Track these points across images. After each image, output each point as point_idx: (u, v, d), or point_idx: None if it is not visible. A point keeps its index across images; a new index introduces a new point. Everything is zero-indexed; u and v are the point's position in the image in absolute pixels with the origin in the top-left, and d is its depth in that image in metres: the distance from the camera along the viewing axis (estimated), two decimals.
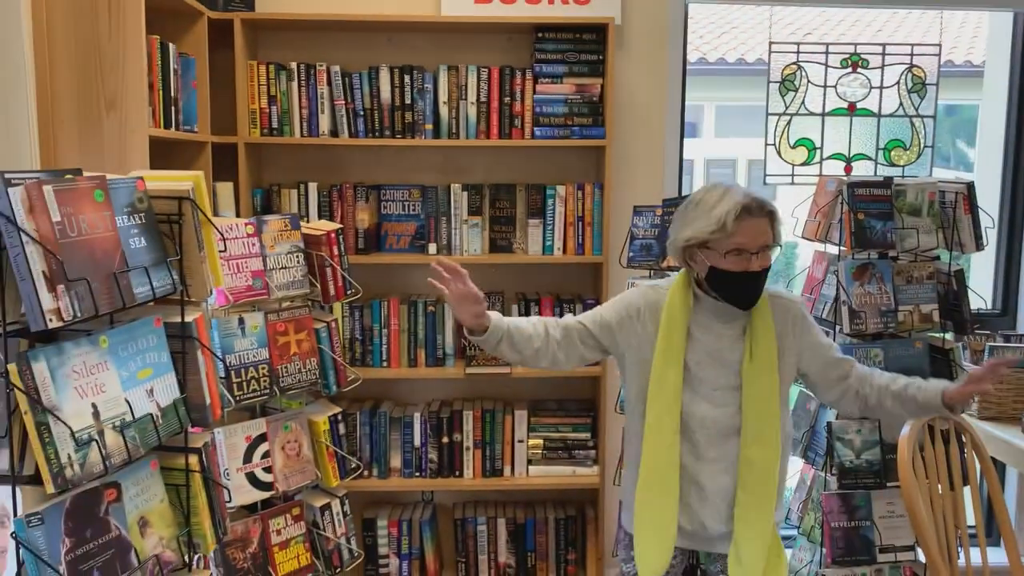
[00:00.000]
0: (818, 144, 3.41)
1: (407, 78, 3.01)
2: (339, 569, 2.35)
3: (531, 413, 3.16)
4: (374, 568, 3.16)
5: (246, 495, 2.17)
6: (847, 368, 2.17)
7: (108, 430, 1.43)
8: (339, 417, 2.38)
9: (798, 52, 3.37)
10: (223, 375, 2.07)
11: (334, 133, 3.04)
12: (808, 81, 3.38)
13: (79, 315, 1.35)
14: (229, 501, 2.07)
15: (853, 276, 2.74)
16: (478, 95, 3.03)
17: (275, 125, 3.01)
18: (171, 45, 2.57)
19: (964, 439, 2.58)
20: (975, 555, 2.58)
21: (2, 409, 1.33)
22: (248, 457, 2.17)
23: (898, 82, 3.39)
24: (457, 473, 3.14)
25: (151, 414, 1.52)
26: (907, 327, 2.78)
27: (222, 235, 2.09)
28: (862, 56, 3.38)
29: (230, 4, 2.98)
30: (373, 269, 3.20)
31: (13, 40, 2.19)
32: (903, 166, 3.42)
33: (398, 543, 3.15)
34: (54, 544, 1.35)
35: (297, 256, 2.28)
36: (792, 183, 3.42)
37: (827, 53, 3.37)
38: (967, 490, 2.62)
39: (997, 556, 3.30)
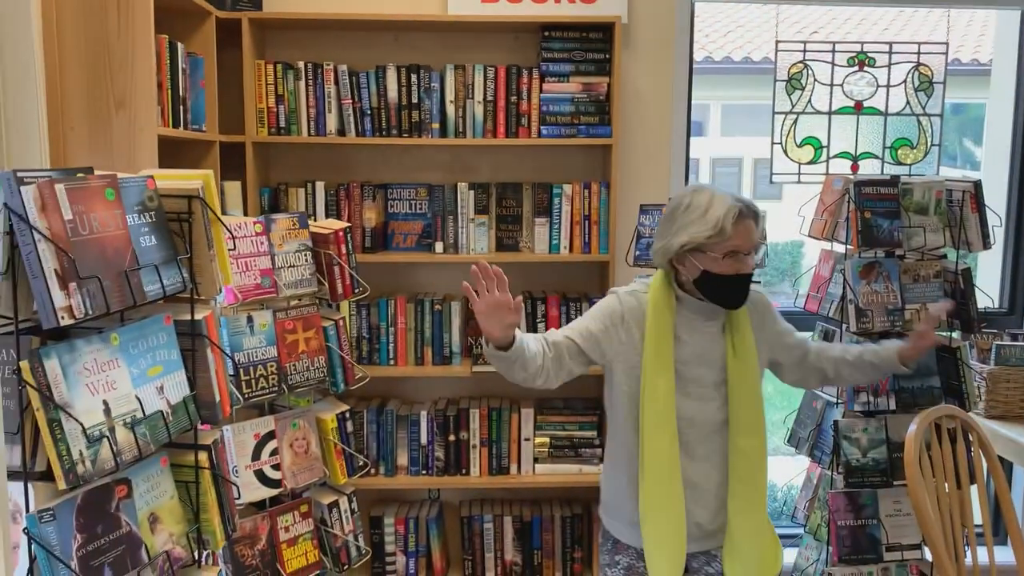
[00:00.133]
0: (825, 143, 3.41)
1: (414, 77, 3.02)
2: (347, 566, 2.36)
3: (537, 411, 3.16)
4: (381, 566, 3.17)
5: (255, 492, 2.17)
6: (806, 348, 2.28)
7: (119, 427, 1.44)
8: (347, 415, 2.39)
9: (804, 51, 3.36)
10: (232, 373, 2.08)
11: (341, 132, 3.05)
12: (815, 80, 3.38)
13: (91, 313, 1.36)
14: (238, 498, 2.09)
15: (860, 275, 2.74)
16: (485, 94, 3.04)
17: (282, 124, 3.02)
18: (179, 44, 2.58)
19: (971, 438, 2.58)
20: (982, 554, 2.58)
21: (14, 406, 1.34)
22: (257, 454, 2.18)
23: (905, 81, 3.38)
24: (464, 471, 3.15)
25: (161, 411, 1.54)
26: (914, 326, 2.77)
27: (231, 233, 2.10)
28: (869, 55, 3.38)
29: (238, 4, 2.99)
30: (380, 268, 3.21)
31: (23, 39, 2.20)
32: (910, 165, 3.41)
33: (405, 541, 3.16)
34: (66, 540, 1.36)
35: (305, 255, 2.29)
36: (798, 182, 3.42)
37: (834, 52, 3.37)
38: (974, 489, 2.62)
39: (1004, 555, 3.29)
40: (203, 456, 1.67)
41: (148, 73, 2.33)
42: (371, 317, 3.11)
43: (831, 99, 3.39)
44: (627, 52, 3.20)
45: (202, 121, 2.77)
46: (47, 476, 1.37)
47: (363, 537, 2.43)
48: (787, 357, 2.25)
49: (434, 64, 3.09)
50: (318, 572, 2.30)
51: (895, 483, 2.77)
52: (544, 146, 3.20)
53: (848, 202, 2.74)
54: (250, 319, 2.15)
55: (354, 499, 2.41)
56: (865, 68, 3.39)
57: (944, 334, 2.86)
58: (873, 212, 2.73)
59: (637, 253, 2.88)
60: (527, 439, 3.15)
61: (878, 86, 3.39)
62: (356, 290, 2.39)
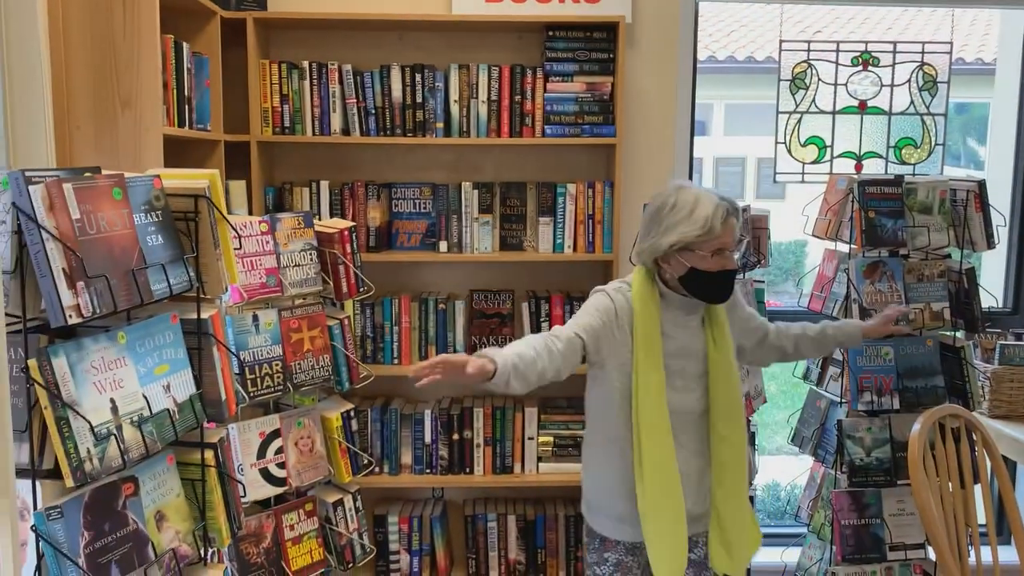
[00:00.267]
0: (828, 142, 3.41)
1: (418, 77, 3.03)
2: (351, 564, 2.37)
3: (541, 410, 3.17)
4: (385, 564, 3.18)
5: (260, 490, 2.18)
6: (766, 329, 2.36)
7: (126, 425, 1.45)
8: (351, 413, 2.39)
9: (808, 50, 3.36)
10: (237, 371, 2.09)
11: (346, 132, 3.05)
12: (819, 79, 3.38)
13: (98, 311, 1.37)
14: (243, 496, 2.09)
15: (864, 274, 2.74)
16: (489, 93, 3.04)
17: (287, 124, 3.03)
18: (185, 44, 2.58)
19: (975, 437, 2.58)
20: (986, 553, 2.58)
21: (22, 404, 1.35)
22: (262, 453, 2.19)
23: (909, 80, 3.38)
24: (467, 470, 3.15)
25: (168, 409, 1.54)
26: (918, 325, 2.78)
27: (237, 233, 2.11)
28: (873, 54, 3.38)
29: (243, 3, 3.00)
30: (384, 267, 3.22)
31: (29, 39, 2.21)
32: (914, 164, 3.41)
33: (409, 539, 3.17)
34: (73, 537, 1.37)
35: (310, 254, 2.30)
36: (802, 181, 3.42)
37: (838, 51, 3.37)
38: (978, 488, 2.62)
39: (1008, 555, 3.29)
40: (209, 454, 1.68)
41: (154, 73, 2.34)
42: (375, 316, 3.11)
43: (835, 98, 3.39)
44: (631, 52, 3.21)
45: (207, 121, 2.78)
46: (55, 474, 1.38)
47: (367, 535, 2.44)
48: (750, 340, 2.33)
49: (438, 64, 3.10)
50: (323, 570, 2.31)
51: (899, 482, 2.77)
52: (548, 145, 3.20)
53: (852, 201, 2.74)
54: (255, 318, 2.16)
55: (359, 497, 2.42)
56: (869, 67, 3.38)
57: (948, 333, 2.86)
58: (877, 212, 2.73)
59: None
60: (531, 438, 3.15)
61: (882, 85, 3.39)
62: (361, 289, 2.40)
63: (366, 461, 2.44)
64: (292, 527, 2.25)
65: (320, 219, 2.93)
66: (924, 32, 6.98)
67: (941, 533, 2.33)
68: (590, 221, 3.10)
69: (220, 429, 1.78)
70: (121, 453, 1.43)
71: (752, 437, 2.97)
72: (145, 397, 1.50)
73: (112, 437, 1.42)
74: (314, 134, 3.04)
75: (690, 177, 3.33)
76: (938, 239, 2.79)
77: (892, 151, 3.41)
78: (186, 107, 2.61)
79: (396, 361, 3.12)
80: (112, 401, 1.43)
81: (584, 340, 2.04)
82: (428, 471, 3.15)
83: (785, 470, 4.85)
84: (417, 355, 3.13)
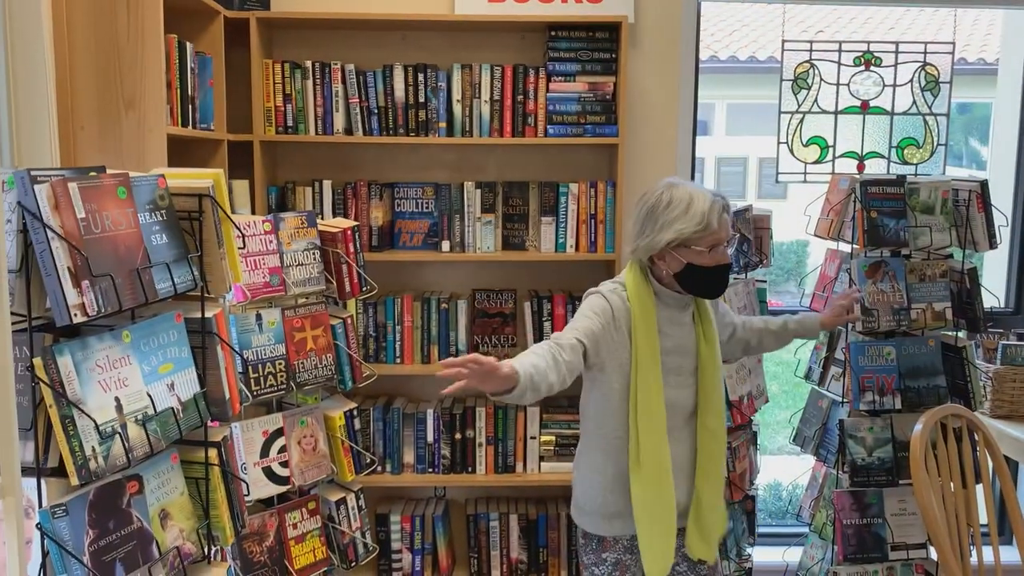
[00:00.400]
0: (831, 142, 3.41)
1: (421, 76, 3.03)
2: (354, 563, 2.37)
3: (543, 410, 3.17)
4: (387, 563, 3.18)
5: (263, 489, 2.19)
6: (735, 323, 2.41)
7: (131, 423, 1.46)
8: (354, 412, 2.40)
9: (811, 50, 3.37)
10: (241, 370, 2.09)
11: (348, 131, 3.06)
12: (821, 79, 3.38)
13: (103, 310, 1.37)
14: (247, 495, 2.10)
15: (866, 274, 2.74)
16: (491, 93, 3.05)
17: (290, 123, 3.03)
18: (188, 44, 2.59)
19: (977, 437, 2.58)
20: (987, 553, 2.59)
21: (27, 403, 1.36)
22: (265, 452, 2.19)
23: (911, 80, 3.39)
24: (469, 469, 3.16)
25: (172, 408, 1.55)
26: (920, 325, 2.78)
27: (241, 232, 2.11)
28: (875, 54, 3.38)
29: (246, 3, 3.01)
30: (387, 266, 3.22)
31: (34, 39, 2.22)
32: (916, 164, 3.42)
33: (411, 538, 3.17)
34: (78, 535, 1.38)
35: (313, 253, 2.30)
36: (804, 181, 3.43)
37: (840, 51, 3.37)
38: (979, 488, 2.62)
39: (1010, 554, 3.29)
40: (213, 453, 1.69)
41: (157, 73, 2.35)
42: (378, 315, 3.12)
43: (837, 98, 3.39)
44: (633, 52, 3.21)
45: (210, 120, 2.79)
46: (59, 472, 1.39)
47: (370, 534, 2.45)
48: (724, 335, 2.37)
49: (441, 64, 3.10)
50: (326, 569, 2.32)
51: (900, 482, 2.77)
52: (550, 145, 3.21)
53: (854, 201, 2.74)
54: (259, 317, 2.16)
55: (361, 496, 2.42)
56: (871, 67, 3.39)
57: (950, 333, 2.87)
58: (879, 211, 2.73)
59: None
60: (533, 437, 3.16)
61: (884, 85, 3.39)
62: (364, 288, 2.40)
63: (369, 460, 2.45)
64: (295, 526, 2.26)
65: (323, 218, 2.94)
66: (926, 32, 6.97)
67: (943, 533, 2.34)
68: (592, 221, 3.11)
69: (224, 428, 1.79)
70: (126, 451, 1.43)
71: (754, 437, 2.97)
72: (149, 396, 1.50)
73: (117, 435, 1.42)
74: (317, 134, 3.05)
75: (692, 177, 3.34)
76: (940, 239, 2.79)
77: (894, 151, 3.42)
78: (190, 107, 2.61)
79: (399, 360, 3.13)
80: (117, 400, 1.44)
81: (586, 345, 2.03)
82: (430, 470, 3.15)
83: (787, 470, 4.85)
84: (419, 355, 3.13)
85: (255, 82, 2.98)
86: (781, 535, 3.59)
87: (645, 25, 3.22)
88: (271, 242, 2.20)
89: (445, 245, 3.13)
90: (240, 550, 2.14)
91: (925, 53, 3.37)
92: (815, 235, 2.95)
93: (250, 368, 2.13)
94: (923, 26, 7.22)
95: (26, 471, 1.36)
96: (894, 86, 3.39)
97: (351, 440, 2.35)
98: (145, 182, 1.53)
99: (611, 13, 3.12)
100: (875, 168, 3.42)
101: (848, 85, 3.39)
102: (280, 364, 2.20)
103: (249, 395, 2.11)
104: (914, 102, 3.39)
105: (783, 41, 3.37)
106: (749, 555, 2.97)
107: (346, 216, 3.09)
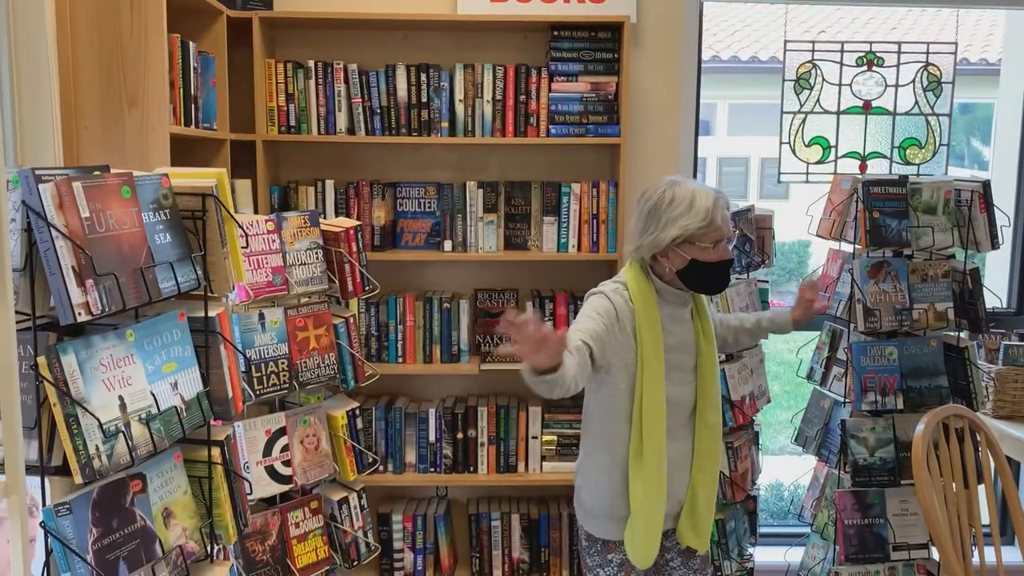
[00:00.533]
0: (833, 142, 3.41)
1: (423, 76, 3.03)
2: (356, 562, 2.38)
3: (545, 409, 3.17)
4: (389, 562, 3.19)
5: (265, 488, 2.19)
6: (715, 319, 2.41)
7: (134, 422, 1.46)
8: (357, 412, 2.40)
9: (813, 50, 3.37)
10: (244, 370, 2.10)
11: (351, 131, 3.06)
12: (823, 79, 3.38)
13: (107, 309, 1.37)
14: (250, 494, 2.10)
15: (868, 274, 2.74)
16: (494, 93, 3.05)
17: (293, 123, 3.04)
18: (191, 43, 2.59)
19: (979, 437, 2.58)
20: (989, 554, 2.59)
21: (31, 401, 1.36)
22: (268, 451, 2.20)
23: (913, 80, 3.38)
24: (471, 468, 3.16)
25: (175, 407, 1.55)
26: (922, 325, 2.78)
27: (244, 231, 2.12)
28: (877, 54, 3.38)
29: (249, 3, 3.01)
30: (389, 266, 3.23)
31: (37, 38, 2.22)
32: (918, 164, 3.42)
33: (413, 538, 3.18)
34: (81, 533, 1.38)
35: (316, 252, 2.31)
36: (806, 181, 3.43)
37: (842, 51, 3.37)
38: (981, 489, 2.62)
39: (1011, 555, 3.30)
40: (216, 452, 1.69)
41: (160, 72, 2.35)
42: (380, 315, 3.12)
43: (839, 99, 3.39)
44: (636, 52, 3.21)
45: (213, 119, 2.79)
46: (63, 471, 1.39)
47: (372, 533, 2.45)
48: None
49: (443, 63, 3.10)
50: (328, 568, 2.32)
51: (902, 482, 2.77)
52: (553, 145, 3.21)
53: (856, 202, 2.74)
54: (261, 316, 2.17)
55: (364, 495, 2.42)
56: (874, 68, 3.39)
57: (952, 334, 2.87)
58: (881, 212, 2.73)
59: None
60: (535, 437, 3.16)
61: (887, 86, 3.39)
62: (366, 288, 2.40)
63: (371, 459, 2.45)
64: (297, 525, 2.26)
65: (325, 218, 2.94)
66: (929, 32, 6.97)
67: (945, 533, 2.34)
68: (594, 221, 3.11)
69: (227, 427, 1.79)
70: (129, 450, 1.44)
71: (756, 437, 2.97)
72: (153, 395, 1.50)
73: (120, 434, 1.42)
74: (319, 133, 3.05)
75: (693, 177, 3.34)
76: (942, 239, 2.79)
77: (896, 151, 3.42)
78: (192, 106, 2.62)
79: (401, 360, 3.13)
80: (120, 398, 1.44)
81: (591, 347, 2.02)
82: (432, 470, 3.16)
83: (788, 470, 4.85)
84: (421, 354, 3.13)
85: (258, 81, 2.98)
86: (783, 535, 3.59)
87: (647, 25, 3.22)
88: (274, 241, 2.20)
89: (447, 245, 3.13)
90: (243, 549, 2.14)
91: (927, 53, 3.37)
92: (817, 235, 2.95)
93: (253, 367, 2.13)
94: (925, 26, 7.21)
95: (30, 469, 1.36)
96: (896, 86, 3.39)
97: (353, 439, 2.35)
98: (149, 181, 1.53)
99: (613, 13, 3.12)
100: (877, 168, 3.42)
101: (850, 85, 3.39)
102: (283, 363, 2.20)
103: (252, 394, 2.12)
104: (916, 102, 3.39)
105: (785, 41, 3.37)
106: (751, 555, 2.97)
107: (348, 216, 3.09)
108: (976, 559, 2.49)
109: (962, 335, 2.87)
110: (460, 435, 3.15)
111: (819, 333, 3.05)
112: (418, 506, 3.26)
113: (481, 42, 3.20)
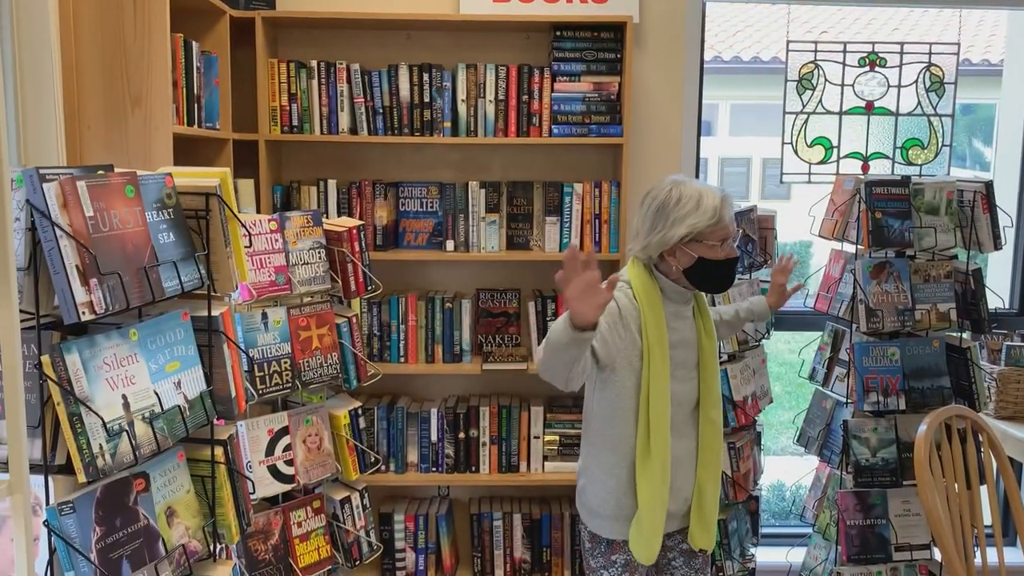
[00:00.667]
0: (835, 143, 3.41)
1: (426, 76, 3.03)
2: (358, 562, 2.38)
3: (547, 409, 3.18)
4: (391, 562, 3.19)
5: (268, 487, 2.19)
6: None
7: (138, 421, 1.46)
8: (359, 411, 2.40)
9: (815, 51, 3.37)
10: (247, 369, 2.10)
11: (353, 131, 3.06)
12: (825, 80, 3.38)
13: (111, 308, 1.37)
14: (252, 493, 2.10)
15: (870, 275, 2.74)
16: (496, 93, 3.05)
17: (295, 122, 3.04)
18: (194, 43, 2.60)
19: (981, 438, 2.58)
20: (991, 554, 2.59)
21: (35, 400, 1.36)
22: (270, 450, 2.20)
23: (916, 81, 3.38)
24: (473, 468, 3.16)
25: (179, 406, 1.55)
26: (924, 326, 2.78)
27: (248, 231, 2.12)
28: (880, 55, 3.38)
29: (252, 3, 3.02)
30: (391, 266, 3.23)
31: (41, 38, 2.22)
32: (921, 165, 3.41)
33: (415, 537, 3.18)
34: (85, 532, 1.38)
35: (319, 252, 2.31)
36: (809, 182, 3.43)
37: (845, 52, 3.37)
38: (984, 489, 2.62)
39: (1014, 556, 3.30)
40: (219, 451, 1.69)
41: (164, 72, 2.35)
42: (382, 315, 3.12)
43: (842, 99, 3.39)
44: (638, 52, 3.21)
45: (216, 119, 2.79)
46: (67, 469, 1.39)
47: (374, 533, 2.45)
48: None
49: (446, 63, 3.11)
50: (330, 567, 2.32)
51: (904, 483, 2.77)
52: (555, 145, 3.21)
53: (859, 202, 2.74)
54: (264, 316, 2.17)
55: (366, 495, 2.43)
56: (876, 68, 3.39)
57: (954, 334, 2.86)
58: (884, 212, 2.73)
59: None
60: (536, 437, 3.16)
61: (889, 86, 3.39)
62: (368, 287, 2.40)
63: (373, 459, 2.45)
64: (300, 524, 2.26)
65: (328, 218, 2.94)
66: (931, 33, 6.97)
67: (947, 534, 2.34)
68: (597, 221, 3.11)
69: (229, 426, 1.79)
70: (133, 449, 1.44)
71: (758, 437, 2.97)
72: (156, 394, 1.51)
73: (124, 433, 1.43)
74: (322, 133, 3.05)
75: (696, 177, 3.34)
76: (945, 240, 2.79)
77: (899, 152, 3.42)
78: (195, 106, 2.62)
79: (402, 359, 3.13)
80: (124, 397, 1.44)
81: (595, 346, 2.02)
82: (434, 469, 3.16)
83: (790, 470, 4.85)
84: (423, 354, 3.14)
85: (260, 81, 2.98)
86: (785, 535, 3.59)
87: (650, 25, 3.22)
88: (277, 241, 2.21)
89: (449, 244, 3.13)
90: (245, 548, 2.14)
91: (930, 54, 3.37)
92: (819, 236, 2.96)
93: (256, 367, 2.14)
94: (927, 27, 7.21)
95: (34, 468, 1.36)
96: (899, 87, 3.39)
97: (356, 439, 2.35)
98: (152, 181, 1.53)
99: (616, 13, 3.12)
100: (879, 169, 3.42)
101: (853, 86, 3.39)
102: (285, 363, 2.20)
103: (255, 393, 2.12)
104: (919, 103, 3.39)
105: (787, 42, 3.36)
106: (752, 555, 2.97)
107: (351, 215, 3.09)
108: (978, 560, 2.49)
109: (964, 336, 2.87)
110: (462, 435, 3.15)
111: (821, 334, 3.05)
112: (420, 506, 3.26)
113: (483, 42, 3.20)
